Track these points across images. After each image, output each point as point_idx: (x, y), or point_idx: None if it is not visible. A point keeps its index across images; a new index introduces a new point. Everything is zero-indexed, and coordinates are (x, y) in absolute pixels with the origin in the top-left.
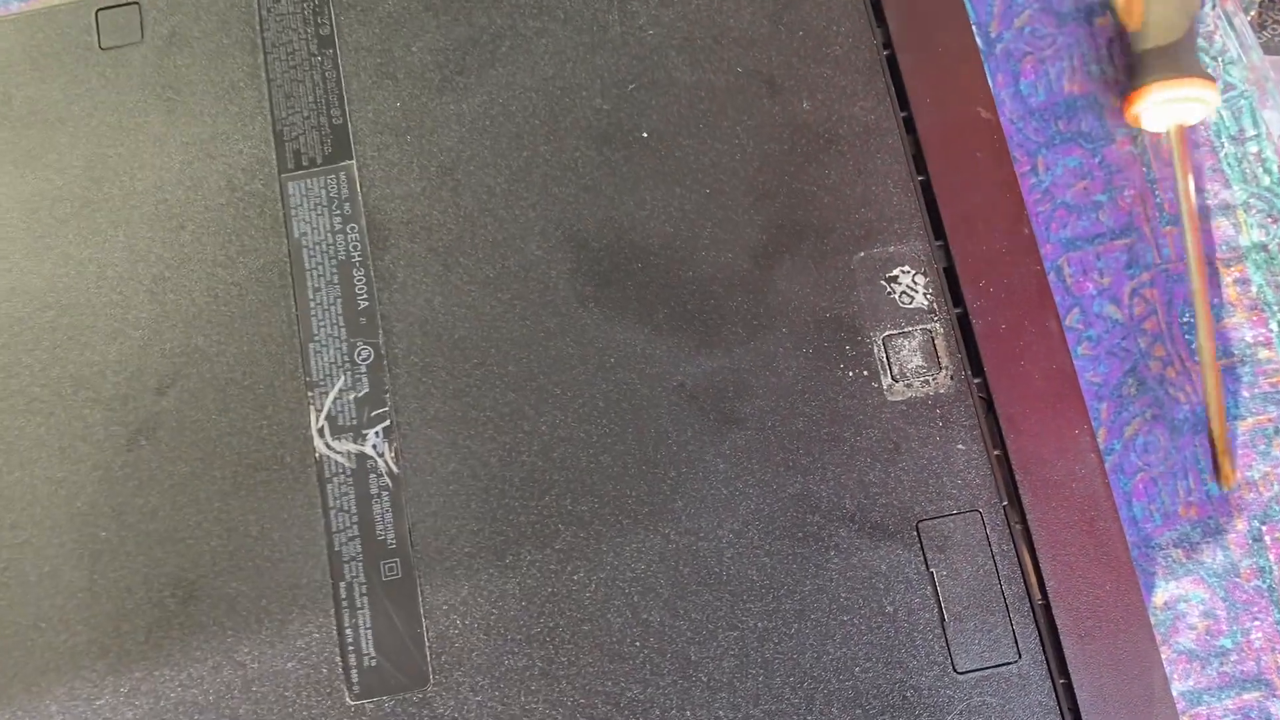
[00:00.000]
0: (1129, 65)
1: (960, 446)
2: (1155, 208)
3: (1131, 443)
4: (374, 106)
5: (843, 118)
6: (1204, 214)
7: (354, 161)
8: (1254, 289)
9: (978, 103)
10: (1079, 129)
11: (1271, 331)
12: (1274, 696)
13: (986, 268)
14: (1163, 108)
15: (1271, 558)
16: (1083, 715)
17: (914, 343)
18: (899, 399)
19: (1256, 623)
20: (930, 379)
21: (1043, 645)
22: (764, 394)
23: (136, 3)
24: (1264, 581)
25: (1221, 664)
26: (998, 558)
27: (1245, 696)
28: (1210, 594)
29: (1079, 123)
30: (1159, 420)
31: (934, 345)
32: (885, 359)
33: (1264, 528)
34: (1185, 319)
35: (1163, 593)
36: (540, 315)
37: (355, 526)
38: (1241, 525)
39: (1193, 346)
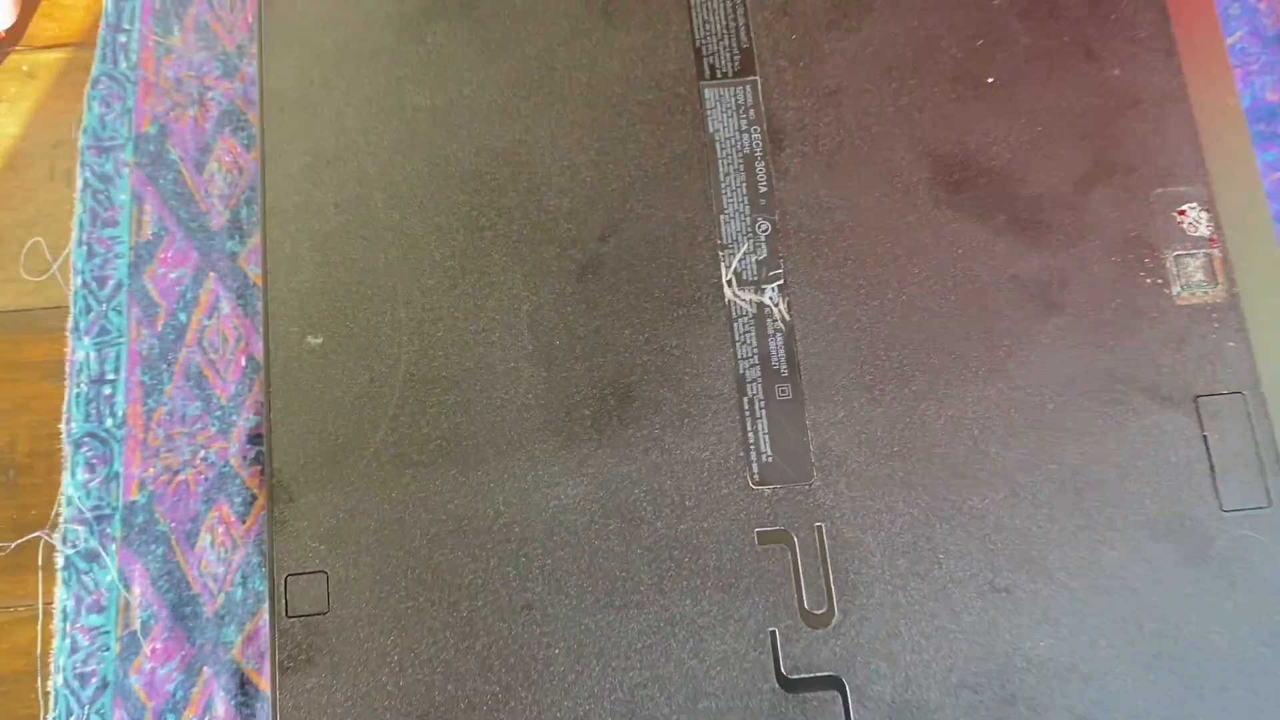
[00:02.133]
0: None
1: (1231, 344)
2: None
3: None
4: (775, 36)
5: (1145, 85)
6: None
7: (758, 78)
8: None
9: (1226, 93)
10: (1276, 131)
11: None
12: None
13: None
14: None
15: None
16: None
17: (1198, 262)
18: (1185, 304)
19: None
20: (1209, 290)
21: None
22: (1080, 289)
23: None
24: None
25: None
26: (1256, 430)
27: None
28: None
29: (1276, 125)
30: None
31: (1214, 265)
32: (1175, 272)
33: None
34: None
35: None
36: (903, 211)
37: (755, 356)
38: None
39: None
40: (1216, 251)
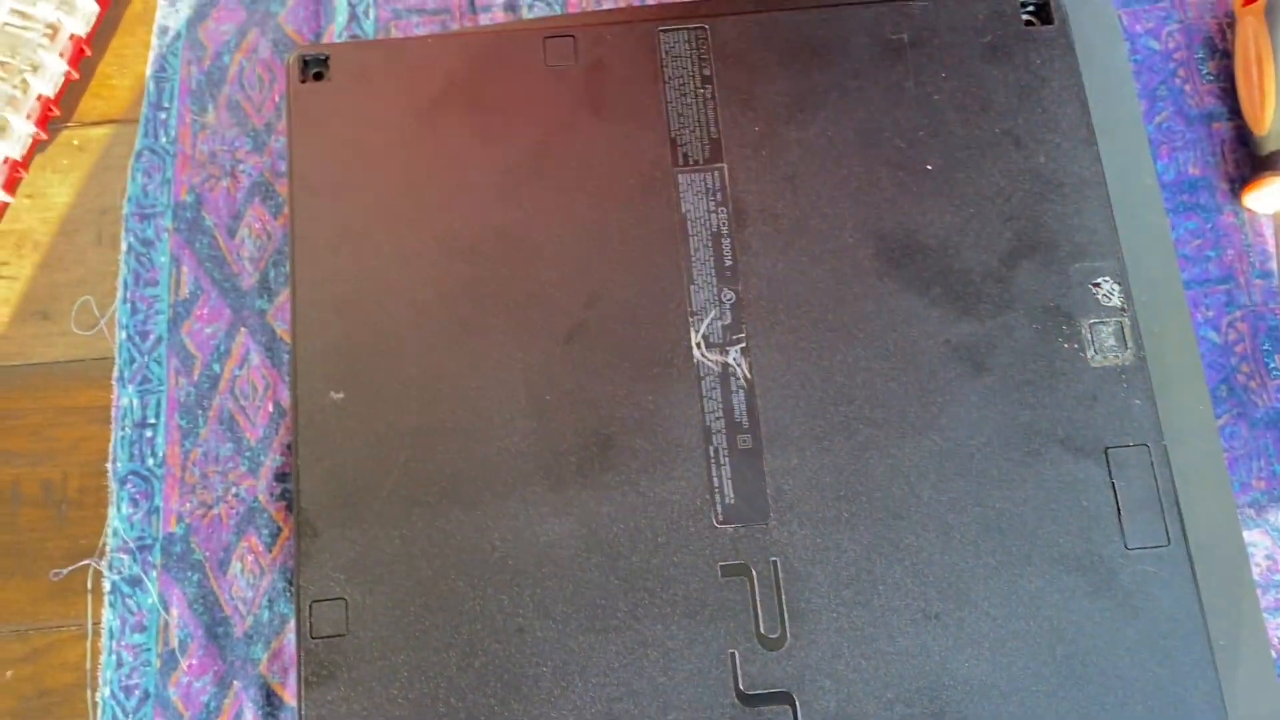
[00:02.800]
0: (1249, 160)
1: (1136, 401)
2: (1249, 264)
3: (1221, 431)
4: (740, 128)
5: (1067, 171)
6: None
7: (725, 165)
8: None
9: (1145, 174)
10: (1197, 201)
11: None
12: None
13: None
14: (1276, 196)
15: None
16: (1201, 594)
17: (1109, 329)
18: (1098, 366)
19: None
20: (1119, 354)
21: (1184, 536)
22: (1005, 353)
23: (572, 35)
24: None
25: (1276, 592)
26: (1158, 477)
27: None
28: (1271, 543)
29: (1198, 197)
30: (1242, 417)
31: (1124, 332)
32: (1090, 338)
33: None
34: (1265, 346)
35: None
36: (851, 282)
37: (720, 411)
38: None
39: (1269, 367)
40: (1127, 319)
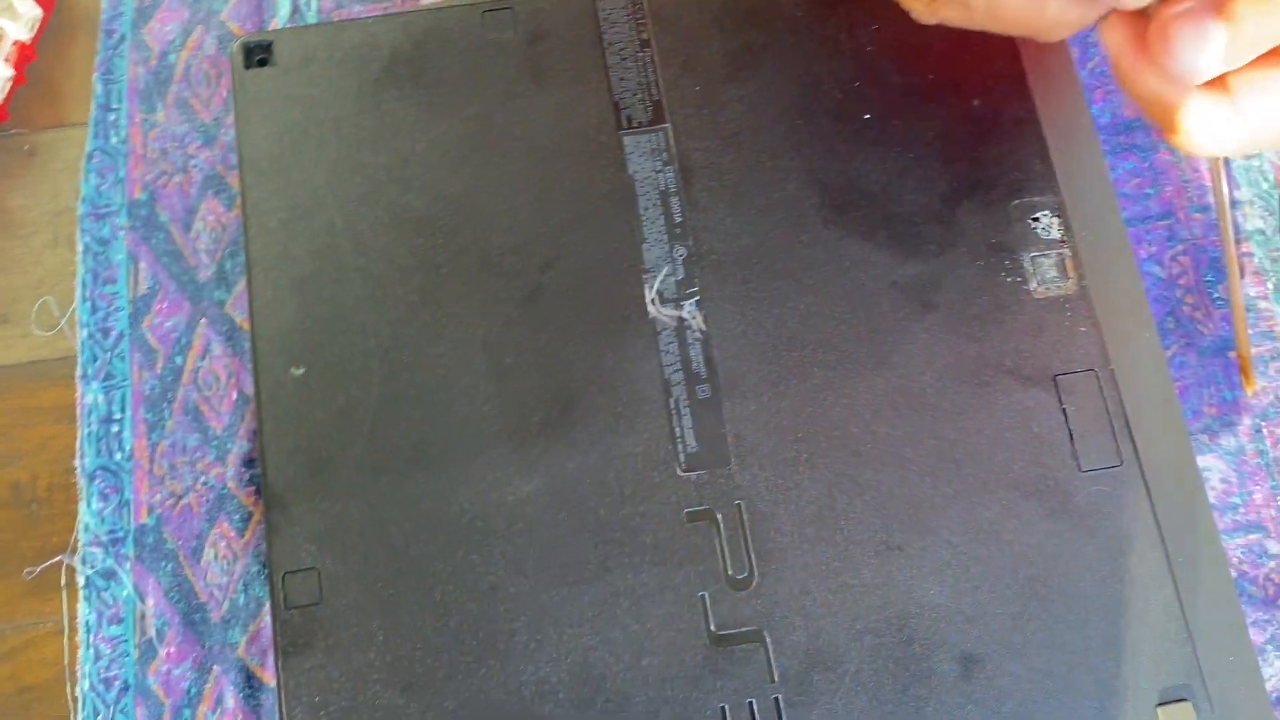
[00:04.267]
0: None
1: (1082, 329)
2: (1188, 200)
3: (1171, 361)
4: (681, 89)
5: (1001, 113)
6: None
7: (669, 125)
8: (1255, 260)
9: (1079, 114)
10: (1134, 142)
11: (1268, 289)
12: (1269, 538)
13: None
14: None
15: (1268, 443)
16: (1159, 518)
17: (1051, 261)
18: (1041, 298)
19: (1257, 487)
20: (1062, 285)
21: (1136, 456)
22: (951, 290)
23: (509, 7)
24: (1263, 460)
25: (1233, 514)
26: (1107, 400)
27: (1249, 537)
28: (1226, 466)
29: (1134, 138)
30: (1190, 347)
31: (1065, 263)
32: (1032, 270)
33: (1263, 424)
34: (1208, 278)
35: None
36: (798, 232)
37: (678, 363)
38: (1247, 421)
39: (1213, 297)
40: (1067, 251)
